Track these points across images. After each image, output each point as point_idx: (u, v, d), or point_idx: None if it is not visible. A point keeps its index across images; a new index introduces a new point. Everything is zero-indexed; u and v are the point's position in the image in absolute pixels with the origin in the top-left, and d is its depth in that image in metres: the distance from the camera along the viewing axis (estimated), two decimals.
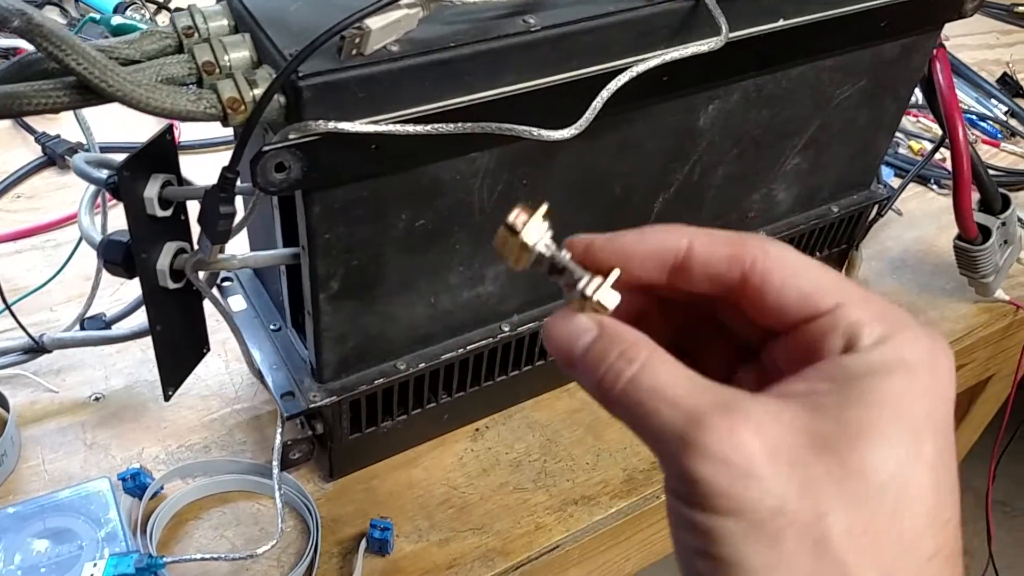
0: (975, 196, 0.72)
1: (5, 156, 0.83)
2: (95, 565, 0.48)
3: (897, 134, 0.97)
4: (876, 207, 0.75)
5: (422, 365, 0.55)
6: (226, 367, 0.65)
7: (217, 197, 0.41)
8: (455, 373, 0.58)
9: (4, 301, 0.59)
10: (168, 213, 0.45)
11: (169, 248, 0.46)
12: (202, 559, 0.48)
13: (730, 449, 0.22)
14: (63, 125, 0.85)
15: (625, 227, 0.57)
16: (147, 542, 0.52)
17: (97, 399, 0.63)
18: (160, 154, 0.44)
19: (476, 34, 0.43)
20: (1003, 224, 0.73)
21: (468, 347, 0.56)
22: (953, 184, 0.69)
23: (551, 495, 0.60)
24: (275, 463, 0.52)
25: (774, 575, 0.22)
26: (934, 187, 0.92)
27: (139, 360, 0.65)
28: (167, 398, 0.51)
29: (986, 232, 0.72)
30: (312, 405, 0.52)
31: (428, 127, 0.40)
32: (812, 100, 0.60)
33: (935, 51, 0.67)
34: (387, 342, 0.53)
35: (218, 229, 0.41)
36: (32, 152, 0.83)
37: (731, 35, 0.49)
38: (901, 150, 0.97)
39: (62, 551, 0.49)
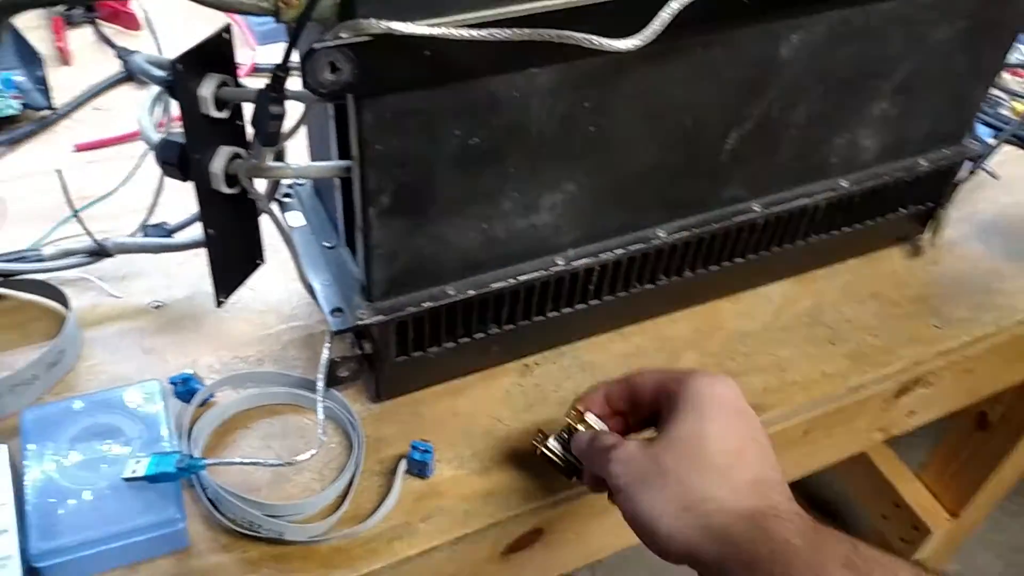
0: None
1: (86, 70, 0.85)
2: (138, 462, 0.49)
3: (999, 94, 0.90)
4: (967, 165, 0.70)
5: (471, 292, 0.54)
6: (285, 285, 0.66)
7: (268, 97, 0.40)
8: (505, 304, 0.57)
9: (71, 207, 0.61)
10: (224, 115, 0.45)
11: (224, 151, 0.46)
12: (241, 463, 0.49)
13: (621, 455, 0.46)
14: (143, 42, 0.87)
15: (696, 162, 0.55)
16: (191, 445, 0.53)
17: (157, 307, 0.64)
18: (217, 53, 0.44)
19: None
20: None
21: (519, 278, 0.55)
22: None
23: None
24: (320, 376, 0.52)
25: (643, 488, 0.44)
26: None
27: (200, 273, 0.66)
28: (219, 304, 0.52)
29: None
30: (360, 322, 0.51)
31: (484, 32, 0.38)
32: (904, 40, 0.56)
33: None
34: (437, 265, 0.52)
35: (268, 131, 0.41)
36: (113, 67, 0.85)
37: None
38: (1003, 110, 0.90)
39: (109, 446, 0.51)
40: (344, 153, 0.47)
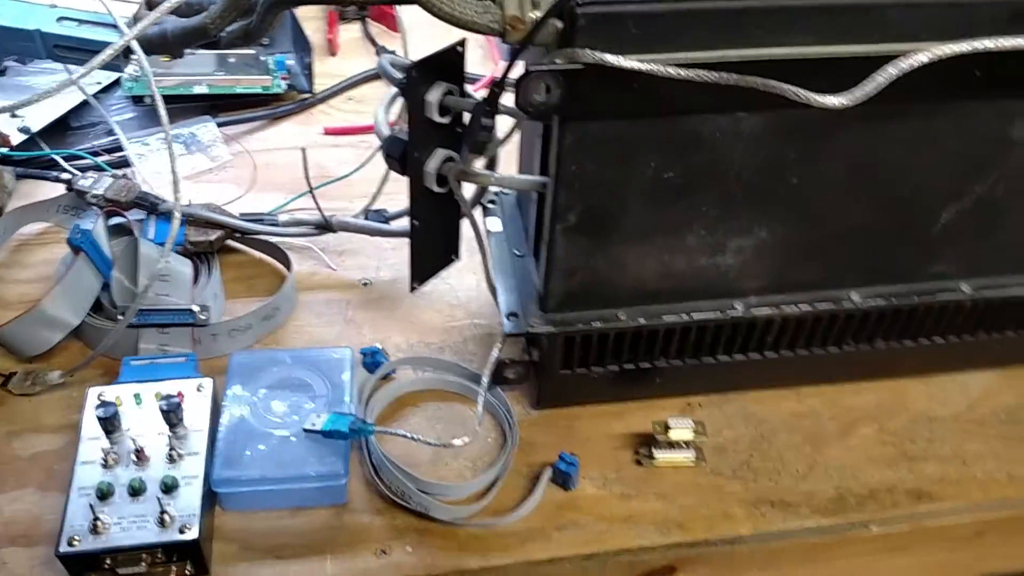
0: None
1: (349, 62, 0.95)
2: (319, 417, 0.54)
3: None
4: None
5: (641, 320, 0.55)
6: (476, 285, 0.70)
7: (482, 109, 0.43)
8: (675, 339, 0.57)
9: (308, 184, 0.68)
10: (445, 121, 0.49)
11: (439, 154, 0.50)
12: (404, 435, 0.53)
13: None
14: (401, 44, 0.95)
15: (904, 231, 0.53)
16: (367, 412, 0.58)
17: (365, 284, 0.70)
18: (448, 63, 0.48)
19: None
20: None
21: (693, 315, 0.55)
22: None
23: (747, 489, 0.58)
24: (486, 372, 0.55)
25: None
26: None
27: (406, 261, 0.71)
28: (412, 289, 0.56)
29: None
30: (531, 330, 0.54)
31: (691, 72, 0.40)
32: None
33: None
34: (612, 289, 0.54)
35: (477, 139, 0.45)
36: (371, 63, 0.94)
37: None
38: None
39: (298, 398, 0.57)
40: (544, 170, 0.50)
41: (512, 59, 0.42)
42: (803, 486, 0.58)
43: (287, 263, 0.69)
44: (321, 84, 0.90)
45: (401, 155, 0.51)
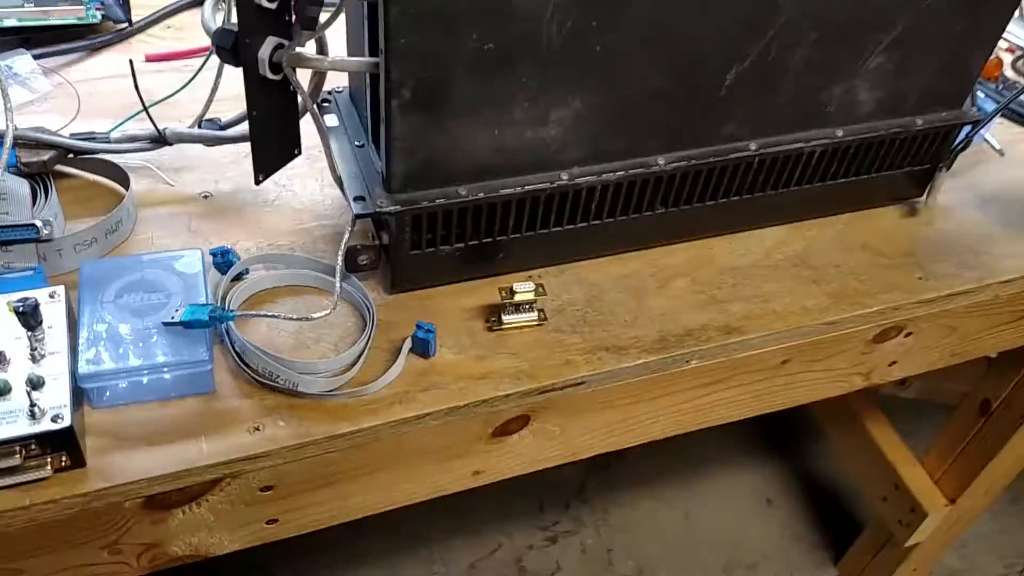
0: None
1: None
2: (176, 310, 0.56)
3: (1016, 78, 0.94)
4: (966, 130, 0.74)
5: (481, 195, 0.60)
6: (320, 189, 0.73)
7: None
8: (512, 211, 0.63)
9: (140, 98, 0.68)
10: (272, 6, 0.51)
11: (271, 40, 0.53)
12: (265, 315, 0.55)
13: None
14: None
15: (696, 95, 0.60)
16: (219, 302, 0.60)
17: (206, 197, 0.72)
18: None
19: None
20: None
21: (526, 187, 0.61)
22: None
23: (585, 340, 0.64)
24: (340, 254, 0.59)
25: None
26: None
27: (246, 171, 0.73)
28: (257, 182, 0.59)
29: None
30: (378, 210, 0.58)
31: None
32: None
33: None
34: (451, 166, 0.58)
35: (307, 15, 0.47)
36: None
37: None
38: None
39: (153, 297, 0.58)
40: (374, 51, 0.53)
41: None
42: (631, 332, 0.65)
43: (124, 179, 0.69)
44: (139, 14, 0.88)
45: (233, 46, 0.53)
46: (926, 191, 0.77)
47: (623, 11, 0.54)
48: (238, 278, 0.64)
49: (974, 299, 0.74)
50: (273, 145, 0.58)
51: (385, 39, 0.50)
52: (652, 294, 0.69)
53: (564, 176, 0.62)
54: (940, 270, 0.74)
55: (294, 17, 0.52)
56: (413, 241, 0.62)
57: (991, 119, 0.74)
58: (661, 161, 0.64)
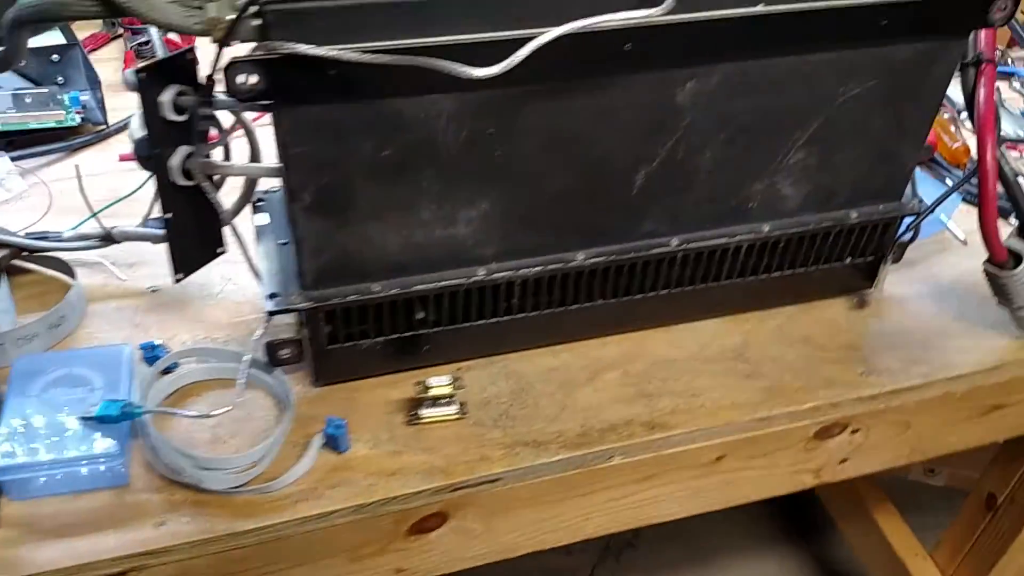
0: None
1: None
2: (94, 406, 0.58)
3: None
4: (907, 221, 0.73)
5: (395, 291, 0.61)
6: None
7: (198, 101, 0.49)
8: (431, 306, 0.64)
9: (87, 203, 0.72)
10: (182, 119, 0.54)
11: (182, 150, 0.56)
12: (168, 412, 0.57)
13: None
14: None
15: (608, 194, 0.61)
16: (146, 400, 0.62)
17: (154, 291, 0.74)
18: (179, 68, 0.53)
19: None
20: None
21: (441, 283, 0.62)
22: (978, 202, 0.67)
23: (506, 434, 0.64)
24: (249, 349, 0.60)
25: None
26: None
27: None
28: (176, 280, 0.61)
29: (1017, 257, 0.69)
30: (290, 306, 0.60)
31: (360, 55, 0.47)
32: (810, 94, 0.61)
33: (982, 67, 0.66)
34: (364, 263, 0.60)
35: (198, 128, 0.50)
36: None
37: (700, 14, 0.52)
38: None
39: (77, 391, 0.60)
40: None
41: (217, 55, 0.48)
42: (553, 427, 0.65)
43: (71, 273, 0.72)
44: (116, 116, 0.93)
45: (148, 154, 0.56)
46: (875, 283, 0.76)
47: (518, 121, 0.56)
48: (168, 371, 0.66)
49: (923, 395, 0.72)
50: (193, 245, 0.61)
51: (280, 148, 0.53)
52: (581, 388, 0.68)
53: (481, 272, 0.63)
54: (884, 365, 0.72)
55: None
56: (331, 335, 0.63)
57: (931, 210, 0.73)
58: (580, 256, 0.65)
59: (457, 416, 0.65)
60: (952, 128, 0.98)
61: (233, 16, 0.47)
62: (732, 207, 0.67)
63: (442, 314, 0.65)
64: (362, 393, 0.67)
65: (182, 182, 0.56)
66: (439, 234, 0.60)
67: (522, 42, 0.49)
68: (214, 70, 0.49)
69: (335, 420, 0.61)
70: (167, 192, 0.57)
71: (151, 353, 0.65)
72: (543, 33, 0.49)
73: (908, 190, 0.72)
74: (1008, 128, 1.00)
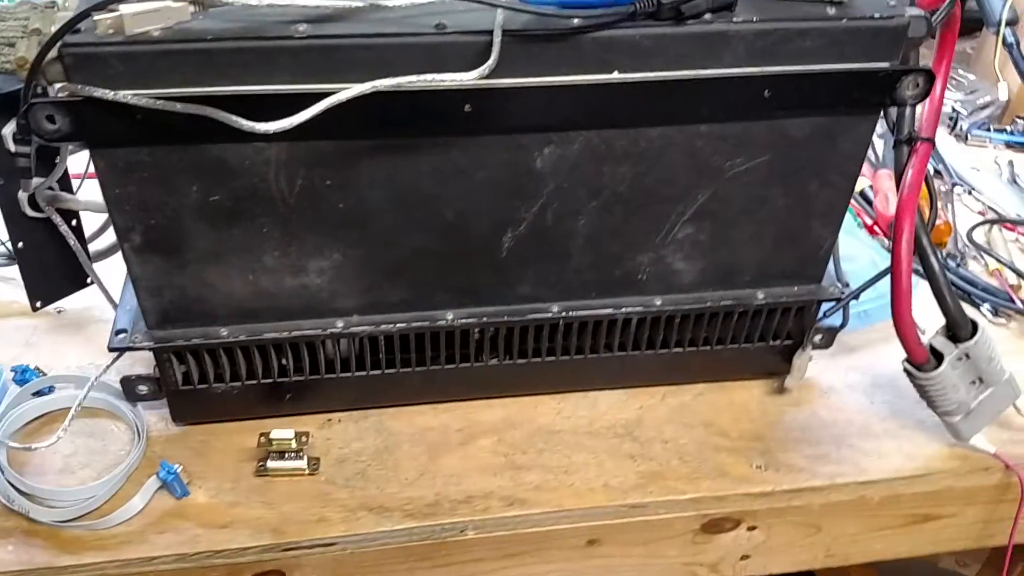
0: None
1: None
2: None
3: (969, 249, 0.85)
4: (825, 306, 0.67)
5: (243, 337, 0.60)
6: None
7: (13, 138, 0.49)
8: (287, 355, 0.62)
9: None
10: (26, 150, 0.54)
11: (33, 181, 0.56)
12: (11, 447, 0.57)
13: None
14: None
15: (470, 253, 0.58)
16: (6, 424, 0.62)
17: (59, 312, 0.75)
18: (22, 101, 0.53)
19: (247, 32, 0.47)
20: (967, 356, 0.62)
21: (294, 333, 0.60)
22: (890, 296, 0.61)
23: (353, 496, 0.62)
24: (93, 380, 0.60)
25: None
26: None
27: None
28: (34, 308, 0.61)
29: (938, 357, 0.62)
30: (132, 345, 0.59)
31: (149, 101, 0.45)
32: (692, 167, 0.57)
33: (915, 145, 0.60)
34: (209, 306, 0.59)
35: (17, 165, 0.50)
36: None
37: (540, 79, 0.49)
38: (973, 267, 0.84)
39: None
40: None
41: (25, 95, 0.47)
42: (406, 492, 0.62)
43: None
44: None
45: None
46: (791, 371, 0.70)
47: (358, 174, 0.54)
48: (40, 394, 0.66)
49: (829, 498, 0.65)
50: (51, 275, 0.61)
51: (102, 188, 0.52)
52: (449, 452, 0.65)
53: (339, 324, 0.61)
54: (788, 460, 0.66)
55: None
56: (185, 376, 0.62)
57: (854, 295, 0.67)
58: (450, 316, 0.62)
59: (308, 471, 0.62)
60: (940, 203, 0.90)
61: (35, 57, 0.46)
62: (619, 277, 0.62)
63: (303, 364, 0.63)
64: (220, 437, 0.65)
65: (32, 213, 0.56)
66: (290, 282, 0.59)
67: (322, 97, 0.47)
68: (25, 111, 0.48)
69: (168, 466, 0.60)
70: (16, 222, 0.57)
71: (21, 376, 0.65)
72: (343, 90, 0.46)
73: (831, 271, 0.66)
74: (1013, 209, 0.92)
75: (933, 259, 0.61)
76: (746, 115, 0.55)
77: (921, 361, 0.62)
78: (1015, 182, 0.96)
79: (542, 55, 0.50)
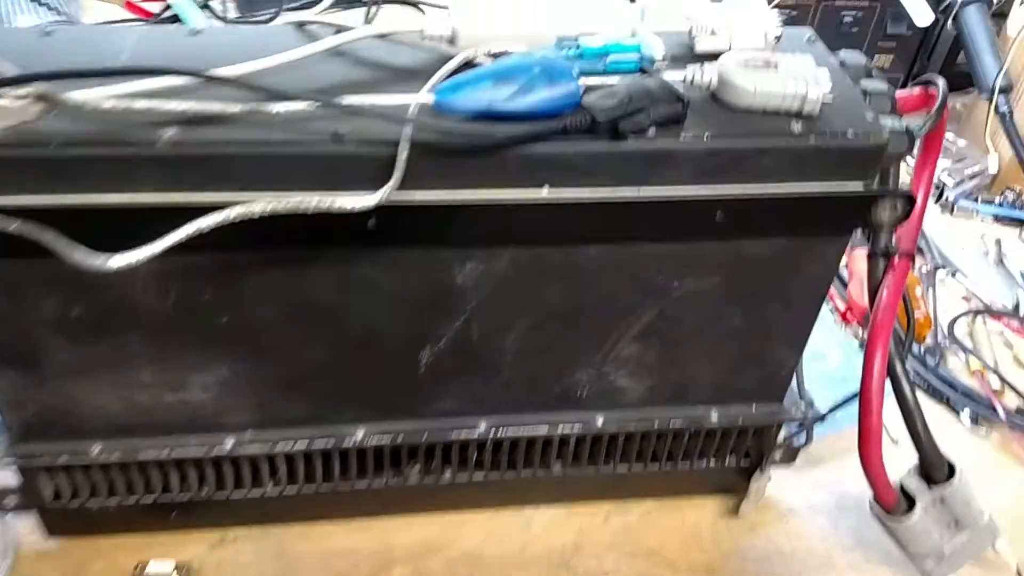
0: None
1: None
2: None
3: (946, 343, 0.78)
4: (789, 427, 0.60)
5: (117, 455, 0.52)
6: None
7: None
8: (171, 473, 0.54)
9: None
10: None
11: None
12: None
13: None
14: None
15: (381, 368, 0.51)
16: None
17: None
18: None
19: (103, 137, 0.40)
20: (942, 500, 0.55)
21: (175, 451, 0.53)
22: (858, 430, 0.54)
23: None
24: None
25: None
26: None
27: None
28: None
29: (910, 499, 0.55)
30: None
31: None
32: (636, 285, 0.50)
33: (892, 260, 0.53)
34: (77, 421, 0.51)
35: None
36: None
37: (457, 194, 0.42)
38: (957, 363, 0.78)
39: None
40: None
41: None
42: None
43: None
44: None
45: None
46: (748, 495, 0.63)
47: (241, 288, 0.46)
48: None
49: None
50: None
51: None
52: None
53: (229, 441, 0.53)
54: None
55: None
56: (56, 491, 0.54)
57: (816, 421, 0.60)
58: (360, 433, 0.55)
59: None
60: (919, 290, 0.84)
61: None
62: (555, 394, 0.55)
63: (189, 481, 0.55)
64: (102, 554, 0.58)
65: None
66: (169, 398, 0.51)
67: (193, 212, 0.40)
68: None
69: None
70: None
71: None
72: (219, 207, 0.39)
73: (794, 389, 0.59)
74: (999, 296, 0.85)
75: (908, 392, 0.54)
76: (695, 236, 0.47)
77: (891, 505, 0.55)
78: (1002, 263, 0.90)
79: (459, 169, 0.43)
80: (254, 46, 0.45)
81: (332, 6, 1.22)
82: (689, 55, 0.49)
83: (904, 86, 1.05)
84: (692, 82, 0.45)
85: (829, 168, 0.45)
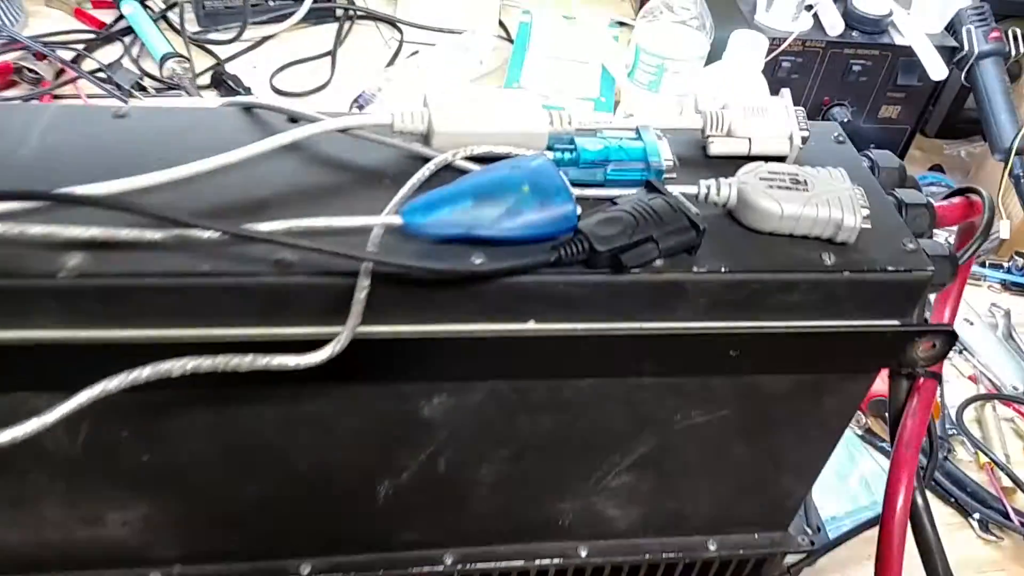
0: None
1: None
2: None
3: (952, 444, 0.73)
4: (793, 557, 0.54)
5: None
6: None
7: None
8: None
9: None
10: None
11: None
12: None
13: None
14: None
15: (331, 502, 0.44)
16: None
17: None
18: None
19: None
20: None
21: None
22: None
23: None
24: None
25: None
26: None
27: None
28: None
29: None
30: None
31: None
32: (632, 418, 0.43)
33: (918, 382, 0.46)
34: None
35: None
36: None
37: (425, 328, 0.35)
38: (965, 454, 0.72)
39: None
40: None
41: None
42: None
43: None
44: None
45: None
46: None
47: (164, 427, 0.39)
48: None
49: None
50: None
51: None
52: None
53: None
54: None
55: None
56: None
57: (825, 551, 0.53)
58: (306, 569, 0.47)
59: None
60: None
61: None
62: (533, 524, 0.48)
63: None
64: None
65: None
66: (83, 533, 0.44)
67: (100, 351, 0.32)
68: None
69: None
70: None
71: None
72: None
73: (800, 517, 0.53)
74: (1009, 377, 0.79)
75: (930, 532, 0.47)
76: (704, 372, 0.41)
77: None
78: (1012, 337, 0.84)
79: (429, 301, 0.36)
80: (189, 139, 0.38)
81: (302, 22, 1.16)
82: (701, 158, 0.42)
83: (912, 136, 0.99)
84: (707, 198, 0.38)
85: (864, 304, 0.39)
